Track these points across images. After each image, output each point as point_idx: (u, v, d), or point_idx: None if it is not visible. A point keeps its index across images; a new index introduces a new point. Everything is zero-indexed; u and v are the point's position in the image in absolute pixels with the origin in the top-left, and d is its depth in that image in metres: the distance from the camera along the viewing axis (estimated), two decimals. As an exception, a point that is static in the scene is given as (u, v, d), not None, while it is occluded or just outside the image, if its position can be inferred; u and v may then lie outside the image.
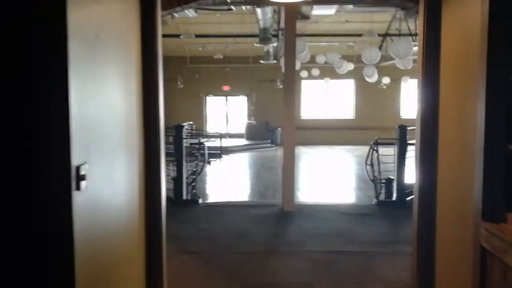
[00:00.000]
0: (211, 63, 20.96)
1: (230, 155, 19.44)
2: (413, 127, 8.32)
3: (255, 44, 14.64)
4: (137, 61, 3.40)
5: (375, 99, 22.07)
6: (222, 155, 18.64)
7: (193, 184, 7.89)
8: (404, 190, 7.81)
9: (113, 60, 2.78)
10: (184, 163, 7.66)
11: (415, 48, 13.26)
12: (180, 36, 14.34)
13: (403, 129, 7.55)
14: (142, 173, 3.45)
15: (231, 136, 22.19)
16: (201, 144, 7.91)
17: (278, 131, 21.79)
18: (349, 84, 22.91)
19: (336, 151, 20.62)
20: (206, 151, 7.68)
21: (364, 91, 22.18)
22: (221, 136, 18.53)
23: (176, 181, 7.66)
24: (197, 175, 8.06)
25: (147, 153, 3.54)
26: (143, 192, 3.48)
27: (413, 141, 8.34)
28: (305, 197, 10.82)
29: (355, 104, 22.85)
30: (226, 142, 20.35)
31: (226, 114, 23.68)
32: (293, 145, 7.57)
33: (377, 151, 7.85)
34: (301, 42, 11.20)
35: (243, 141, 21.64)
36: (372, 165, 8.05)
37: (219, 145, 18.60)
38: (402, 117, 22.73)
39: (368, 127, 22.15)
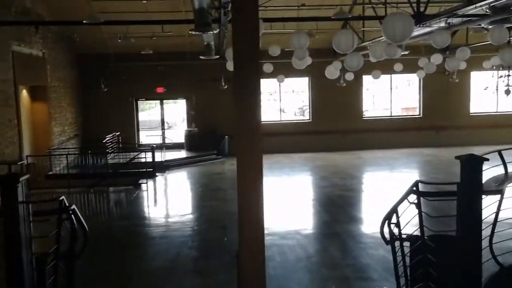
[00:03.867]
0: (140, 60, 16.44)
1: (167, 172, 15.04)
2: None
3: (190, 32, 10.41)
4: None
5: (333, 99, 18.27)
6: (157, 174, 14.24)
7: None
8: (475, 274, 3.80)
9: None
10: (25, 251, 3.37)
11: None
12: (84, 21, 9.91)
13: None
14: None
15: (168, 147, 17.77)
16: (65, 210, 3.62)
17: (226, 139, 17.60)
18: (304, 83, 19.01)
19: (295, 161, 16.64)
20: (81, 221, 3.35)
21: (321, 90, 18.33)
22: (153, 148, 14.12)
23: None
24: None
25: None
26: None
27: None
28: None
29: (311, 105, 18.95)
30: (163, 156, 15.94)
31: (161, 121, 19.16)
32: (260, 192, 3.40)
33: (419, 205, 3.76)
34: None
35: (183, 154, 17.25)
36: (398, 225, 4.03)
37: (156, 160, 14.22)
38: (365, 118, 19.10)
39: (327, 131, 18.35)
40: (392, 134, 18.41)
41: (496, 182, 3.74)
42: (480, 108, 18.98)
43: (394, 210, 3.95)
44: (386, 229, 4.56)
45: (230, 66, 12.12)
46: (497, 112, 18.82)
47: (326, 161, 16.23)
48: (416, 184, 3.73)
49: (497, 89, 12.76)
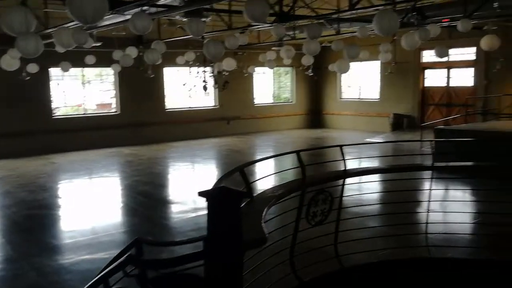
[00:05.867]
0: None
1: None
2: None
3: None
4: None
5: (15, 95, 15.17)
6: None
7: None
8: None
9: None
10: None
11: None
12: None
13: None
14: None
15: None
16: None
17: None
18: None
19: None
20: None
21: (-2, 85, 14.93)
22: None
23: None
24: None
25: None
26: None
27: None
28: None
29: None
30: None
31: None
32: None
33: (142, 279, 2.22)
34: None
35: None
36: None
37: None
38: (56, 116, 16.57)
39: (9, 133, 15.15)
40: (88, 133, 16.56)
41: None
42: (175, 104, 18.97)
43: (100, 282, 2.39)
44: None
45: None
46: (191, 107, 19.16)
47: (8, 171, 13.19)
48: (136, 244, 2.24)
49: (194, 86, 12.55)
